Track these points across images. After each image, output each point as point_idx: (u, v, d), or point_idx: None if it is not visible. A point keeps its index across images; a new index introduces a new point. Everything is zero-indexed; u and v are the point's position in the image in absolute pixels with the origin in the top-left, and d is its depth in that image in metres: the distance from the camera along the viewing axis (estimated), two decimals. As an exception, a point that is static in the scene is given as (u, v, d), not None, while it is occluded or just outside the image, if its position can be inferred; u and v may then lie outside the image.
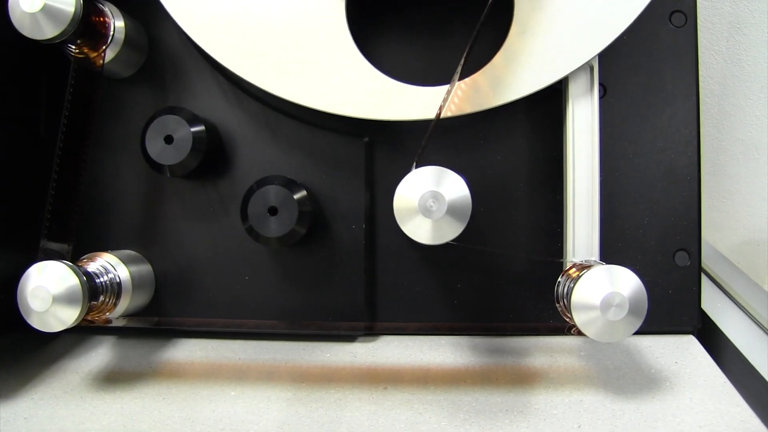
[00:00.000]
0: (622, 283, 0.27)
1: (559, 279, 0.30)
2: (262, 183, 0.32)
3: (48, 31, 0.30)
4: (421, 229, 0.27)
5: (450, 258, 0.34)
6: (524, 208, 0.34)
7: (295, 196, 0.32)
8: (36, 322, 0.29)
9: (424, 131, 0.31)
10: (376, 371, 0.33)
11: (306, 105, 0.31)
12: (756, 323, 0.37)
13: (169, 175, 0.33)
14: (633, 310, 0.27)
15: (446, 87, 0.31)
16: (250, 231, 0.32)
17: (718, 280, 0.44)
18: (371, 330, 0.35)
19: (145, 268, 0.35)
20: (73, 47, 0.32)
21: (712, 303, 0.40)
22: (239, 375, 0.32)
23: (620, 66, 0.35)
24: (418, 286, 0.35)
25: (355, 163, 0.34)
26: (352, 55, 0.31)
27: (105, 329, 0.37)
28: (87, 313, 0.30)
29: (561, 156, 0.33)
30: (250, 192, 0.32)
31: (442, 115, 0.31)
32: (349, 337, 0.36)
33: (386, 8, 0.34)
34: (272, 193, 0.32)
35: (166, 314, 0.35)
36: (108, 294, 0.32)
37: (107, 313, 0.32)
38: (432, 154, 0.34)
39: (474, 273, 0.34)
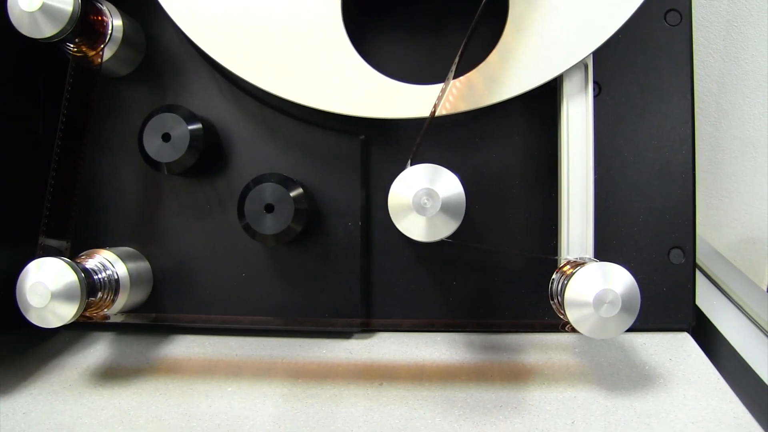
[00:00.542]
0: (615, 280, 0.27)
1: (554, 276, 0.31)
2: (258, 181, 0.32)
3: (46, 30, 0.30)
4: (415, 227, 0.28)
5: (445, 255, 0.35)
6: (519, 206, 0.35)
7: (291, 194, 0.32)
8: (34, 318, 0.29)
9: (419, 129, 0.31)
10: (371, 367, 0.33)
11: (302, 103, 0.31)
12: (751, 320, 0.38)
13: (166, 172, 0.33)
14: (626, 307, 0.27)
15: (441, 85, 0.31)
16: (247, 228, 0.32)
17: (713, 277, 0.44)
18: (367, 326, 0.35)
19: (143, 265, 0.35)
20: (72, 46, 0.32)
21: (708, 300, 0.40)
22: (236, 371, 0.33)
23: (615, 64, 0.35)
24: (414, 283, 0.35)
25: (351, 160, 0.35)
26: (348, 53, 0.31)
27: (103, 325, 0.37)
28: (85, 310, 0.30)
29: (556, 154, 0.33)
30: (247, 189, 0.32)
31: (437, 114, 0.31)
32: (345, 334, 0.36)
33: (382, 7, 0.34)
34: (268, 190, 0.32)
35: (164, 310, 0.35)
36: (106, 290, 0.32)
37: (105, 310, 0.33)
38: (427, 152, 0.34)
39: (469, 270, 0.35)
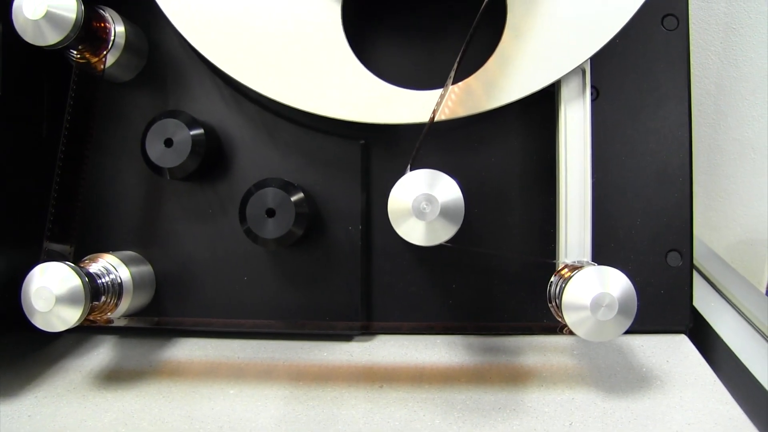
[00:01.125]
0: (612, 283, 0.27)
1: (552, 279, 0.31)
2: (259, 185, 0.33)
3: (50, 38, 0.30)
4: (414, 231, 0.28)
5: (445, 258, 0.35)
6: (518, 209, 0.35)
7: (292, 198, 0.32)
8: (39, 322, 0.29)
9: (419, 134, 0.31)
10: (371, 370, 0.33)
11: (302, 109, 0.32)
12: (749, 322, 0.38)
13: (169, 177, 0.34)
14: (622, 311, 0.27)
15: (440, 91, 0.31)
16: (249, 232, 0.33)
17: (711, 279, 0.45)
18: (367, 329, 0.36)
19: (146, 269, 0.36)
20: (75, 52, 0.33)
21: (705, 302, 0.40)
22: (238, 374, 0.33)
23: (613, 68, 0.35)
24: (414, 286, 0.35)
25: (351, 165, 0.35)
26: (348, 59, 0.32)
27: (106, 329, 0.37)
28: (89, 314, 0.31)
29: (554, 157, 0.33)
30: (248, 194, 0.33)
31: (435, 119, 0.31)
32: (346, 337, 0.36)
33: (382, 13, 0.34)
34: (270, 195, 0.32)
35: (166, 314, 0.36)
36: (109, 294, 0.33)
37: (109, 313, 0.33)
38: (426, 156, 0.35)
39: (468, 273, 0.35)
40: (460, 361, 0.34)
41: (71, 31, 0.31)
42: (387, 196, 0.29)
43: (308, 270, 0.35)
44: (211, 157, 0.35)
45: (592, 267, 0.28)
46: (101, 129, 0.36)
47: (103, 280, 0.32)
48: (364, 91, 0.31)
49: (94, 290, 0.31)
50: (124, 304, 0.34)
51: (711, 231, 0.62)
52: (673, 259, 0.35)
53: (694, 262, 0.38)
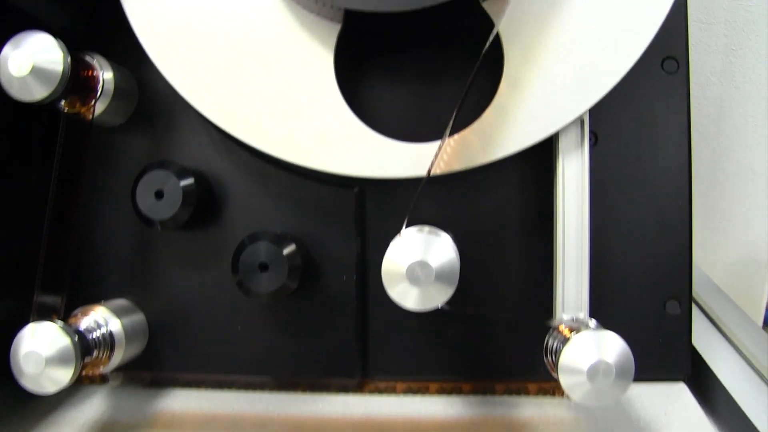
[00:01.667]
0: (609, 349, 0.27)
1: (549, 335, 0.31)
2: (252, 238, 0.32)
3: (37, 93, 0.30)
4: (409, 297, 0.27)
5: (441, 310, 0.34)
6: (515, 258, 0.34)
7: (285, 252, 0.32)
8: (30, 385, 0.29)
9: (414, 181, 0.30)
10: (367, 422, 0.33)
11: (295, 162, 0.31)
12: (747, 363, 0.38)
13: (160, 229, 0.33)
14: (620, 376, 0.27)
15: (436, 143, 0.30)
16: (241, 285, 0.32)
17: (710, 313, 0.44)
18: (361, 388, 0.35)
19: (138, 318, 0.35)
20: (63, 103, 0.32)
21: (705, 340, 0.40)
22: (233, 426, 0.33)
23: (612, 113, 0.35)
24: (410, 338, 0.35)
25: (345, 213, 0.34)
26: (341, 110, 0.31)
27: (99, 379, 0.37)
28: (81, 371, 0.30)
29: (551, 204, 0.33)
30: (241, 248, 0.32)
31: (431, 173, 0.31)
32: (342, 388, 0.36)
33: (376, 63, 0.34)
34: (262, 249, 0.32)
35: (160, 363, 0.35)
36: (101, 348, 0.32)
37: (101, 367, 0.33)
38: (422, 204, 0.34)
39: (465, 324, 0.35)
40: (456, 414, 0.33)
41: (59, 84, 0.30)
42: (382, 244, 0.29)
43: (302, 320, 0.35)
44: (203, 206, 0.34)
45: (588, 332, 0.27)
46: (92, 175, 0.36)
47: (95, 335, 0.32)
48: (358, 144, 0.31)
49: (85, 348, 0.31)
50: (117, 357, 0.33)
51: (710, 252, 0.62)
52: (672, 307, 0.35)
53: (693, 295, 0.37)
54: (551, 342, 0.30)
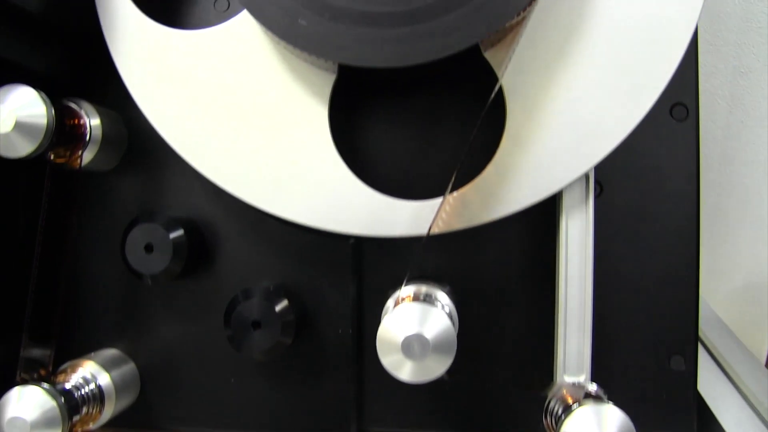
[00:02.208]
0: (611, 424, 0.26)
1: (549, 396, 0.30)
2: (244, 295, 0.31)
3: (22, 150, 0.29)
4: (404, 371, 0.27)
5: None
6: (516, 311, 0.33)
7: (278, 308, 0.31)
8: (16, 452, 0.28)
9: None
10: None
11: (290, 219, 0.30)
12: (755, 411, 0.37)
13: (150, 283, 0.32)
14: (623, 453, 0.26)
15: (435, 201, 0.29)
16: (233, 342, 0.31)
17: (715, 353, 0.44)
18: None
19: (129, 368, 0.34)
20: (50, 154, 0.31)
21: (710, 385, 0.39)
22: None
23: (618, 162, 0.33)
24: (407, 390, 0.34)
25: (341, 264, 0.33)
26: (336, 166, 0.30)
27: None
28: (72, 428, 0.30)
29: (554, 257, 0.32)
30: (233, 305, 0.31)
31: (429, 232, 0.30)
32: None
33: (372, 116, 0.32)
34: (255, 307, 0.31)
35: (150, 419, 0.34)
36: (91, 405, 0.31)
37: (92, 423, 0.32)
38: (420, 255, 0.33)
39: (464, 378, 0.34)
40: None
41: (44, 139, 0.29)
42: (379, 296, 0.28)
43: (297, 373, 0.34)
44: (195, 256, 0.33)
45: (590, 407, 0.26)
46: (81, 222, 0.35)
47: (84, 392, 0.31)
48: (354, 201, 0.30)
49: (73, 408, 0.30)
50: (108, 411, 0.32)
51: (716, 276, 0.61)
52: (677, 362, 0.34)
53: (699, 334, 0.36)
54: (552, 405, 0.29)
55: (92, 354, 0.33)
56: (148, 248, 0.31)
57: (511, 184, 0.29)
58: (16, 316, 0.32)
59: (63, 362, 0.33)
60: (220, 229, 0.34)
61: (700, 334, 0.45)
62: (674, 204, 0.33)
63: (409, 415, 0.34)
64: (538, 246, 0.33)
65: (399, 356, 0.27)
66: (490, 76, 0.29)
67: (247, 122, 0.30)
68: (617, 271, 0.34)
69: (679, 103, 0.34)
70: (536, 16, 0.29)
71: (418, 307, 0.27)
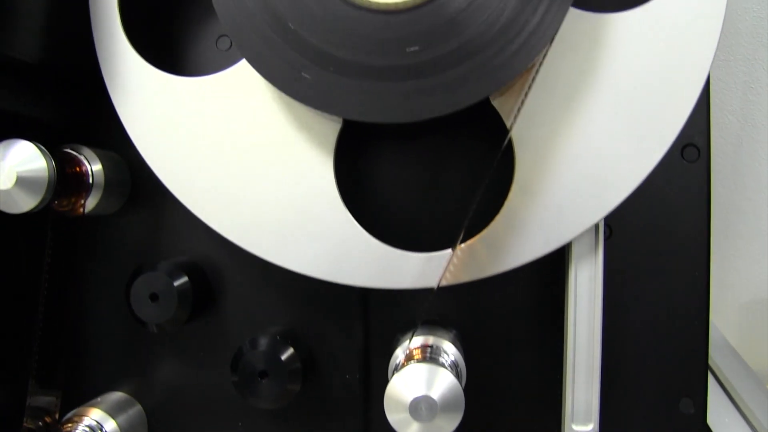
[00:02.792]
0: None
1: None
2: (251, 344, 0.31)
3: (24, 205, 0.28)
4: (411, 429, 0.26)
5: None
6: (524, 358, 0.33)
7: (284, 357, 0.31)
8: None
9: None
10: None
11: (297, 271, 0.30)
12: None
13: (156, 331, 0.32)
14: None
15: (442, 252, 0.29)
16: (239, 390, 0.31)
17: (723, 381, 0.43)
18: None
19: (135, 412, 0.34)
20: (53, 204, 0.31)
21: (719, 416, 0.39)
22: None
23: (628, 204, 0.33)
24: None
25: (348, 310, 0.33)
26: (341, 217, 0.29)
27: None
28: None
29: (563, 302, 0.31)
30: (239, 354, 0.31)
31: (437, 284, 0.29)
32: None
33: (378, 165, 0.32)
34: (261, 357, 0.31)
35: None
36: (98, 453, 0.31)
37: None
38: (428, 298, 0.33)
39: (472, 426, 0.33)
40: None
41: (46, 192, 0.28)
42: (386, 342, 0.28)
43: (305, 419, 0.34)
44: (200, 301, 0.33)
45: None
46: (84, 266, 0.34)
47: (90, 441, 0.31)
48: (360, 253, 0.29)
49: (80, 460, 0.30)
50: (115, 458, 0.32)
51: (724, 290, 0.61)
52: (686, 405, 0.33)
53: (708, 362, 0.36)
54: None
55: (98, 399, 0.33)
56: (153, 297, 0.31)
57: (520, 235, 0.29)
58: (22, 364, 0.32)
59: (70, 408, 0.33)
60: (226, 272, 0.34)
61: (711, 364, 0.45)
62: (684, 246, 0.33)
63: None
64: (546, 289, 0.33)
65: (406, 416, 0.26)
66: (498, 121, 0.29)
67: (250, 171, 0.30)
68: (625, 314, 0.33)
69: (691, 144, 0.33)
70: (546, 65, 0.28)
71: (425, 367, 0.27)
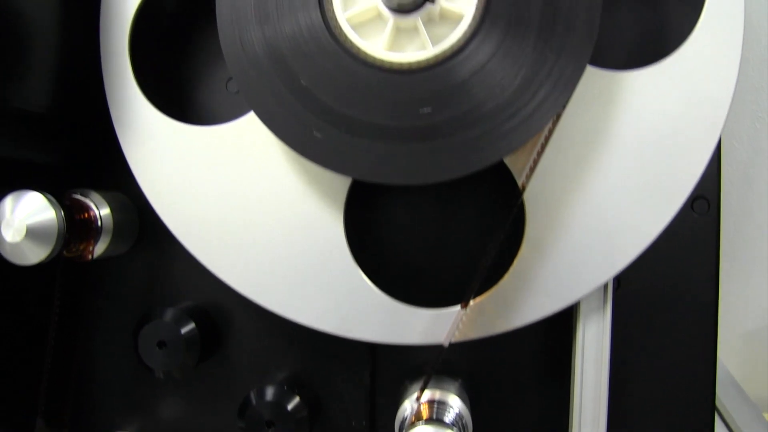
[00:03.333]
0: None
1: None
2: (258, 394, 0.31)
3: (34, 257, 0.28)
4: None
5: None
6: (531, 406, 0.33)
7: (291, 407, 0.31)
8: None
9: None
10: None
11: (305, 325, 0.30)
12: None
13: (163, 377, 0.32)
14: None
15: (452, 309, 0.29)
16: (247, 439, 0.31)
17: (729, 422, 0.43)
18: None
19: (142, 452, 0.34)
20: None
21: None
22: None
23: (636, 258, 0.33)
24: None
25: (355, 356, 0.33)
26: (351, 272, 0.29)
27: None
28: None
29: (570, 351, 0.31)
30: (246, 404, 0.31)
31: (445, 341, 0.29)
32: None
33: (388, 219, 0.32)
34: (268, 407, 0.31)
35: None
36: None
37: None
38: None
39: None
40: None
41: (56, 244, 0.28)
42: (393, 390, 0.28)
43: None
44: (208, 347, 0.33)
45: None
46: (93, 306, 0.34)
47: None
48: (369, 308, 0.29)
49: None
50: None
51: (730, 314, 0.61)
52: (691, 456, 0.33)
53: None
54: None
55: (106, 438, 0.34)
56: (161, 345, 0.31)
57: (530, 293, 0.29)
58: (30, 402, 0.32)
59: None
60: (234, 317, 0.34)
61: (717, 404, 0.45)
62: (693, 298, 0.33)
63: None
64: (554, 341, 0.33)
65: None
66: (509, 176, 0.29)
67: (259, 223, 0.30)
68: (632, 363, 0.33)
69: (701, 197, 0.33)
70: (559, 123, 0.28)
71: (431, 430, 0.27)
